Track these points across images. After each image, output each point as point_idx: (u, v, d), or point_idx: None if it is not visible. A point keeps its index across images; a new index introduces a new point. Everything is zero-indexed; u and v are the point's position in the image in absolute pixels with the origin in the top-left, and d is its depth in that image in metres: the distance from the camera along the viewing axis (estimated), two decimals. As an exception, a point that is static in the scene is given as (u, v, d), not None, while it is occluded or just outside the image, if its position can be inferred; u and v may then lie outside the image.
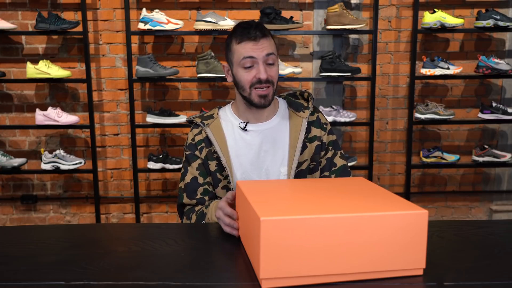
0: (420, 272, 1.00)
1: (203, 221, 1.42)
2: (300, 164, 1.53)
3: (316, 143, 1.56)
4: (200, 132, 1.56)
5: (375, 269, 0.97)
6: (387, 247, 0.96)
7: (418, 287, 0.96)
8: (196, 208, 1.49)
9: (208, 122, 1.56)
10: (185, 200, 1.53)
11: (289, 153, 1.52)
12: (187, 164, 1.56)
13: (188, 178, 1.53)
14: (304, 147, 1.54)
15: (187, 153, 1.56)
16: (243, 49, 1.44)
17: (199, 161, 1.54)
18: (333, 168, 1.56)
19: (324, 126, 1.59)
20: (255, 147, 1.53)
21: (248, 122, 1.54)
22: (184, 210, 1.55)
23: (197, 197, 1.51)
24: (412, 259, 0.98)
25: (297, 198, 1.11)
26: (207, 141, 1.53)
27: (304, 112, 1.57)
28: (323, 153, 1.57)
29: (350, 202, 1.03)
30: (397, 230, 0.96)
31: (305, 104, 1.60)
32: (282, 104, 1.60)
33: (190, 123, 1.62)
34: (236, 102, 1.58)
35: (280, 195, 1.13)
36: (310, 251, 0.93)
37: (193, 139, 1.56)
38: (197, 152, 1.54)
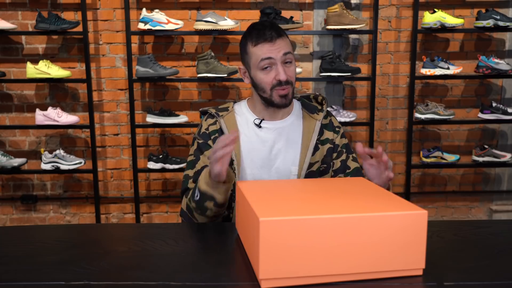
0: (420, 272, 1.00)
1: (196, 191, 1.38)
2: (311, 165, 1.54)
3: (328, 145, 1.57)
4: (214, 123, 1.56)
5: (374, 269, 0.97)
6: (387, 247, 0.96)
7: (418, 287, 0.96)
8: None
9: (223, 114, 1.57)
10: (190, 185, 1.51)
11: (301, 153, 1.53)
12: (199, 152, 1.54)
13: (199, 166, 1.52)
14: (316, 148, 1.55)
15: (200, 141, 1.55)
16: (260, 51, 1.45)
17: (211, 150, 1.54)
18: (347, 171, 1.57)
19: (337, 129, 1.61)
20: (268, 144, 1.53)
21: (263, 119, 1.55)
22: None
23: None
24: (412, 259, 0.98)
25: (296, 198, 1.11)
26: (221, 132, 1.54)
27: (318, 114, 1.59)
28: (335, 155, 1.58)
29: (349, 202, 1.03)
30: (396, 230, 0.96)
31: (319, 107, 1.62)
32: (296, 105, 1.62)
33: (203, 114, 1.62)
34: (253, 100, 1.58)
35: (279, 195, 1.13)
36: (310, 251, 0.93)
37: (207, 129, 1.56)
38: (210, 142, 1.54)
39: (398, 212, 0.97)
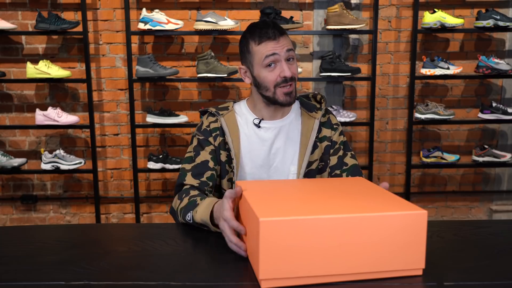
0: (420, 272, 1.00)
1: (190, 213, 1.32)
2: (310, 163, 1.54)
3: (326, 143, 1.57)
4: (216, 121, 1.55)
5: (374, 269, 0.97)
6: (387, 247, 0.96)
7: (418, 287, 0.96)
8: (192, 192, 1.41)
9: (223, 113, 1.56)
10: (188, 179, 1.47)
11: (300, 152, 1.53)
12: (199, 148, 1.52)
13: (198, 160, 1.50)
14: (315, 147, 1.55)
15: (201, 138, 1.53)
16: (264, 49, 1.45)
17: (212, 147, 1.52)
18: (344, 167, 1.55)
19: (335, 126, 1.60)
20: (267, 143, 1.53)
21: (262, 119, 1.55)
22: (182, 189, 1.49)
23: (202, 179, 1.47)
24: (412, 259, 0.98)
25: (296, 198, 1.11)
26: (221, 131, 1.53)
27: (316, 112, 1.58)
28: (332, 151, 1.57)
29: (349, 203, 1.03)
30: (396, 230, 0.96)
31: (318, 106, 1.62)
32: (295, 104, 1.62)
33: (203, 113, 1.61)
34: (252, 100, 1.57)
35: (279, 195, 1.12)
36: (310, 251, 0.93)
37: (208, 126, 1.55)
38: (210, 139, 1.53)
39: (398, 212, 0.97)
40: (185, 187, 1.47)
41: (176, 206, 1.42)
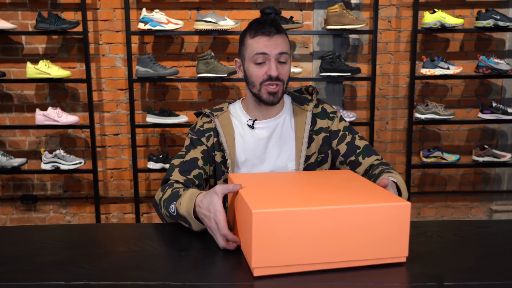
0: (403, 260, 1.04)
1: (173, 204, 1.28)
2: (308, 157, 1.53)
3: (323, 134, 1.56)
4: (210, 121, 1.55)
5: (361, 257, 1.01)
6: (372, 237, 1.00)
7: (418, 287, 0.96)
8: (176, 185, 1.39)
9: (217, 114, 1.56)
10: (175, 175, 1.44)
11: (296, 148, 1.53)
12: (191, 146, 1.52)
13: (188, 157, 1.49)
14: (310, 140, 1.54)
15: (194, 137, 1.53)
16: (256, 44, 1.44)
17: (204, 147, 1.52)
18: (358, 151, 1.54)
19: (331, 115, 1.58)
20: (262, 143, 1.53)
21: (256, 120, 1.55)
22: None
23: (189, 176, 1.45)
24: (396, 248, 1.02)
25: (286, 190, 1.15)
26: (215, 132, 1.53)
27: (308, 105, 1.57)
28: (335, 141, 1.56)
29: (337, 195, 1.07)
30: (381, 220, 1.00)
31: (309, 98, 1.61)
32: (287, 100, 1.61)
33: (198, 115, 1.61)
34: (246, 99, 1.58)
35: (270, 188, 1.15)
36: (300, 241, 0.97)
37: (202, 126, 1.55)
38: (203, 139, 1.52)
39: (383, 203, 1.01)
40: (170, 181, 1.45)
41: (159, 198, 1.39)
